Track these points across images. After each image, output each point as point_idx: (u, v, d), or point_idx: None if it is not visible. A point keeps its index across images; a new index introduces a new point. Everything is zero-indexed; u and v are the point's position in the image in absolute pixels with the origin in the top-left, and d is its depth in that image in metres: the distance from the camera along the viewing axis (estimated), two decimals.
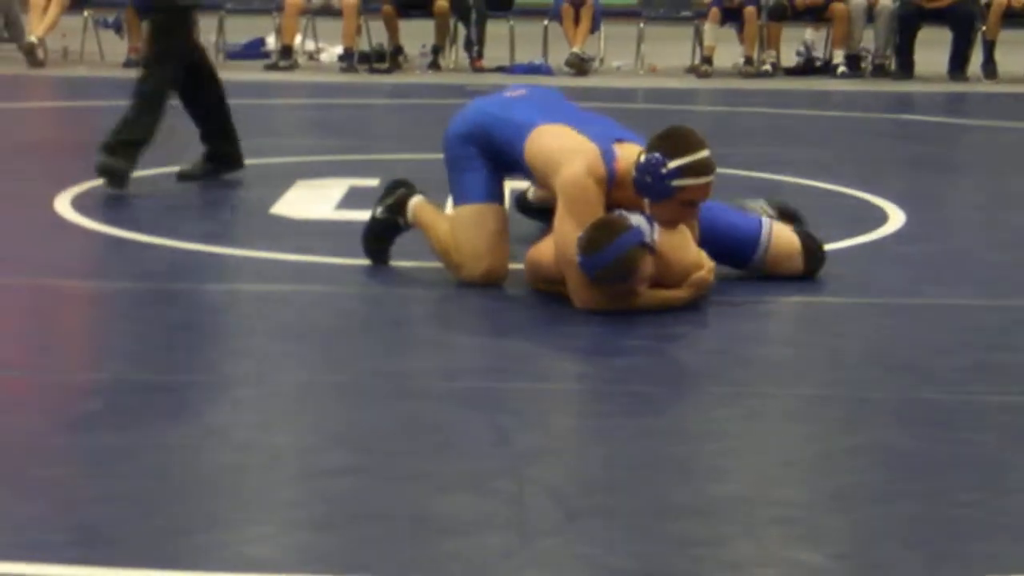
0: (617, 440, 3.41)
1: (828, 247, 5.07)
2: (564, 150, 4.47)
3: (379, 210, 4.87)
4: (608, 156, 4.44)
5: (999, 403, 3.69)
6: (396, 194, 4.88)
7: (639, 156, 4.39)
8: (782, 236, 4.79)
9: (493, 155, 4.64)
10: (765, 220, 4.79)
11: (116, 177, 6.15)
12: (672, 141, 4.39)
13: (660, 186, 4.35)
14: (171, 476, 3.11)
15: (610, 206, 4.42)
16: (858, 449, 3.36)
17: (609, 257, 4.23)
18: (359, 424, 3.46)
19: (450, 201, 4.91)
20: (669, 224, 4.39)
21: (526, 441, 3.38)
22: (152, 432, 3.36)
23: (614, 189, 4.44)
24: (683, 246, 4.41)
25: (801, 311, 4.61)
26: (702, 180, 4.37)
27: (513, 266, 4.70)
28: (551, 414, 3.61)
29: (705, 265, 4.43)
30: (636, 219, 4.30)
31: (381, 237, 4.88)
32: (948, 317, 4.53)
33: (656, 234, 4.33)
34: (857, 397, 3.74)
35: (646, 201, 4.39)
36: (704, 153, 4.38)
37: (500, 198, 4.73)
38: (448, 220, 4.75)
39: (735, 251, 4.72)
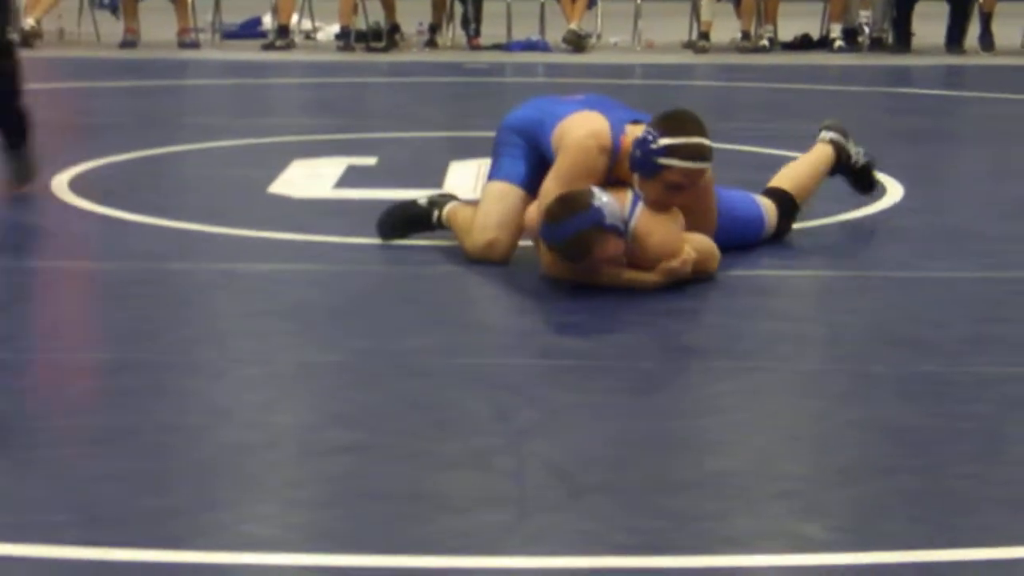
0: (617, 416, 3.41)
1: (828, 220, 5.08)
2: (576, 122, 4.50)
3: (423, 199, 4.90)
4: (616, 130, 4.46)
5: (998, 375, 3.69)
6: (444, 196, 4.92)
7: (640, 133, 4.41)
8: (772, 214, 4.87)
9: (536, 149, 4.64)
10: (763, 209, 4.83)
11: None
12: (670, 121, 4.39)
13: (647, 162, 4.34)
14: (172, 456, 3.11)
15: (612, 181, 4.41)
16: (859, 423, 3.37)
17: (564, 233, 4.22)
18: (359, 403, 3.47)
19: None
20: (654, 205, 4.37)
21: (526, 418, 3.39)
22: (153, 412, 3.36)
23: (617, 165, 4.44)
24: (662, 231, 4.35)
25: (800, 285, 4.61)
26: (689, 164, 4.34)
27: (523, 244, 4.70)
28: (551, 390, 3.61)
29: (681, 255, 4.35)
30: (606, 198, 4.24)
31: (409, 221, 4.87)
32: (947, 290, 4.53)
33: (636, 216, 4.30)
34: (857, 371, 3.75)
35: (635, 177, 4.38)
36: (699, 139, 4.36)
37: (528, 184, 4.65)
38: (473, 208, 4.75)
39: (743, 239, 4.78)
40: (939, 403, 3.50)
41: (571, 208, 4.22)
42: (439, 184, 5.73)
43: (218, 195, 6.02)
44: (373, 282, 4.65)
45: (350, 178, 6.21)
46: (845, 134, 5.30)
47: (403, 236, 4.88)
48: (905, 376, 3.70)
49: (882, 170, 6.33)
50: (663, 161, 4.32)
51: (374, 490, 2.91)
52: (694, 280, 4.41)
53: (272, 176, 6.18)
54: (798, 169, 5.14)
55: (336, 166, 6.46)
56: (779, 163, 6.39)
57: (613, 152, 4.44)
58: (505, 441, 3.21)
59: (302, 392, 3.60)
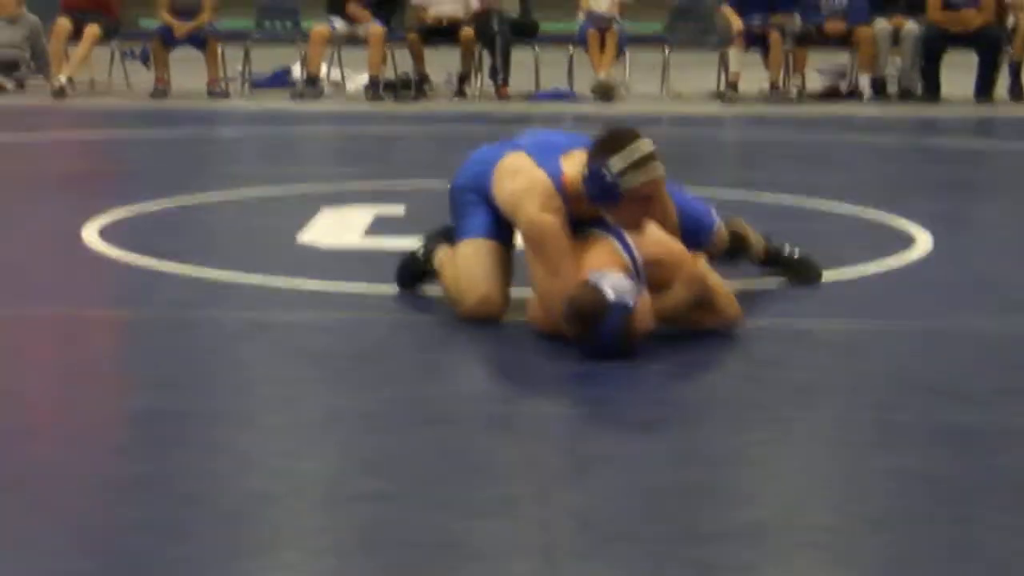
0: (643, 465, 3.40)
1: (856, 271, 5.07)
2: (515, 192, 4.44)
3: (420, 250, 4.91)
4: (556, 179, 4.40)
5: None
6: (436, 240, 4.90)
7: (584, 169, 4.34)
8: (720, 232, 4.89)
9: (489, 200, 4.60)
10: (713, 211, 4.87)
11: None
12: (606, 144, 4.31)
13: (610, 193, 4.29)
14: (198, 504, 3.11)
15: (574, 222, 4.37)
16: (887, 473, 3.35)
17: (602, 342, 4.12)
18: (386, 451, 3.46)
19: None
20: (633, 226, 4.35)
21: (553, 466, 3.38)
22: (179, 460, 3.36)
23: (571, 205, 4.39)
24: (658, 241, 4.35)
25: (827, 335, 4.60)
26: (647, 172, 4.28)
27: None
28: (577, 439, 3.60)
29: (690, 260, 4.33)
30: (609, 279, 4.15)
31: (414, 274, 4.91)
32: (975, 340, 4.51)
33: (634, 251, 4.29)
34: (885, 420, 3.73)
35: (602, 209, 4.35)
36: (639, 143, 4.29)
37: (501, 237, 4.62)
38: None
39: (692, 234, 4.68)
40: (969, 453, 3.48)
41: (593, 319, 4.10)
42: None
43: (247, 244, 6.05)
44: (400, 330, 4.65)
45: (378, 227, 6.23)
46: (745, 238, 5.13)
47: (417, 287, 4.91)
48: (934, 426, 3.68)
49: (911, 220, 6.33)
50: (624, 184, 4.26)
51: (400, 538, 2.90)
52: (710, 330, 4.41)
53: (301, 225, 6.21)
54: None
55: (364, 215, 6.48)
56: (808, 214, 6.40)
57: (565, 200, 4.38)
58: (533, 489, 3.20)
59: (328, 440, 3.60)
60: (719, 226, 4.89)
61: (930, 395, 3.95)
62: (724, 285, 4.46)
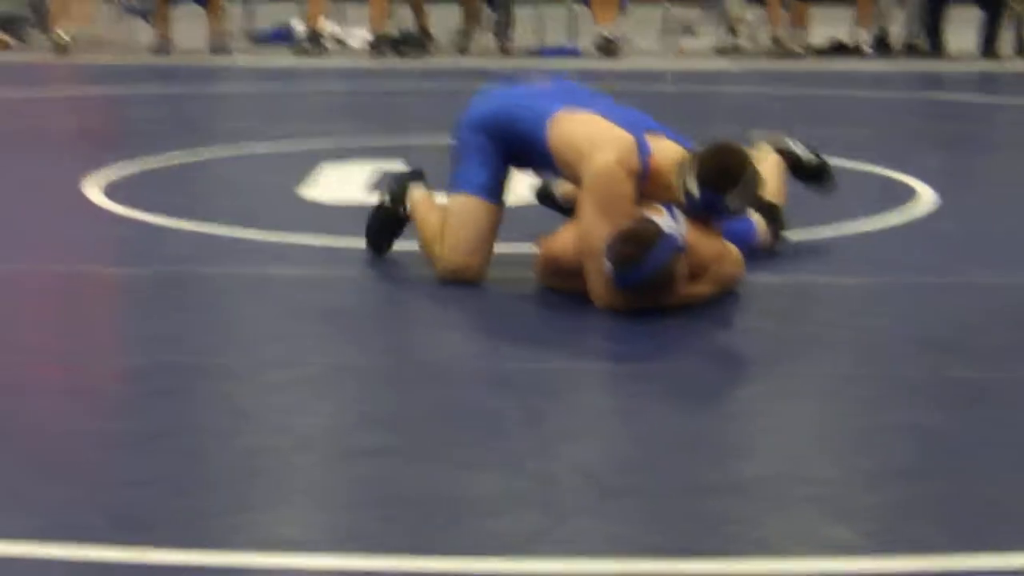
0: (648, 419, 3.40)
1: (860, 227, 5.07)
2: (594, 138, 4.34)
3: (386, 198, 4.82)
4: (643, 148, 4.33)
5: None
6: (403, 184, 4.81)
7: (685, 181, 4.25)
8: (761, 227, 4.80)
9: (508, 146, 4.50)
10: (752, 219, 4.76)
11: None
12: (725, 174, 4.23)
13: (720, 215, 4.30)
14: (204, 459, 3.11)
15: (639, 197, 4.32)
16: (891, 427, 3.35)
17: (646, 271, 4.10)
18: (389, 406, 3.47)
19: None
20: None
21: (557, 421, 3.38)
22: (183, 416, 3.37)
23: (647, 183, 4.33)
24: (708, 237, 4.32)
25: (832, 290, 4.59)
26: (752, 198, 4.33)
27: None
28: (581, 394, 3.60)
29: (730, 258, 4.34)
30: (666, 222, 4.17)
31: (384, 227, 4.82)
32: (980, 295, 4.51)
33: (683, 229, 4.24)
34: (889, 375, 3.73)
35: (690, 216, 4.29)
36: (752, 172, 4.26)
37: (498, 196, 4.56)
38: (440, 212, 4.63)
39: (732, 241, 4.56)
40: (973, 408, 3.47)
41: (646, 245, 4.10)
42: None
43: (249, 200, 6.04)
44: (403, 287, 4.64)
45: (381, 183, 6.21)
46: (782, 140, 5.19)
47: (390, 242, 4.83)
48: (939, 381, 3.68)
49: (915, 175, 6.31)
50: (736, 211, 4.30)
51: (404, 493, 2.91)
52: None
53: (303, 181, 6.20)
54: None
55: (367, 171, 6.47)
56: None
57: (642, 174, 4.32)
58: (536, 444, 3.21)
59: (330, 395, 3.60)
60: (760, 231, 4.81)
61: (935, 350, 3.94)
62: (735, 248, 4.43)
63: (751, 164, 4.29)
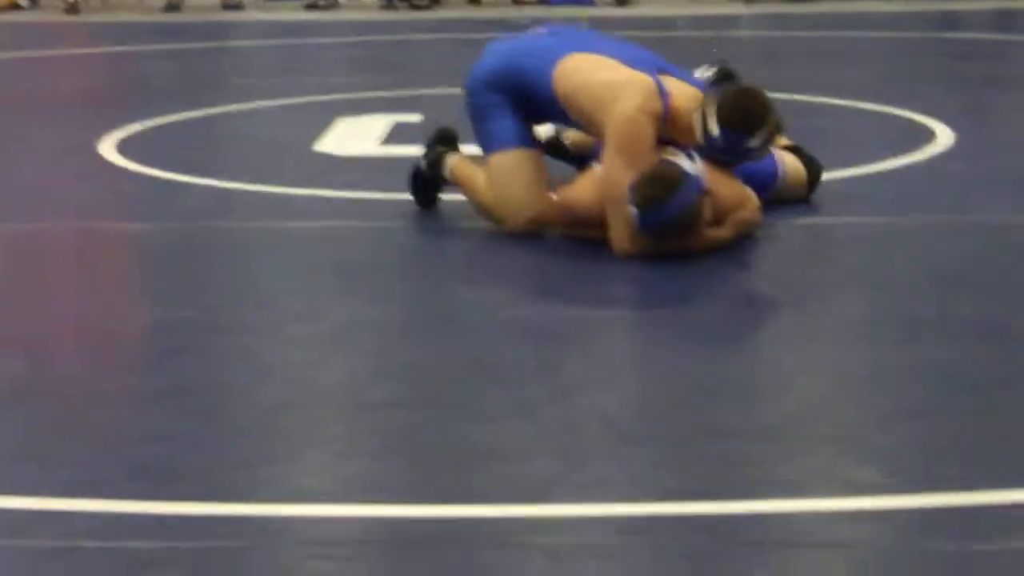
0: (666, 364, 3.40)
1: (877, 168, 5.04)
2: (612, 83, 4.30)
3: (423, 163, 4.78)
4: (662, 90, 4.29)
5: None
6: (437, 150, 4.76)
7: (705, 123, 4.22)
8: (792, 167, 4.71)
9: (520, 99, 4.47)
10: (776, 154, 4.66)
11: None
12: (748, 116, 4.22)
13: (739, 158, 4.28)
14: (221, 412, 3.12)
15: (659, 141, 4.30)
16: (911, 367, 3.34)
17: (672, 212, 4.08)
18: (408, 357, 3.46)
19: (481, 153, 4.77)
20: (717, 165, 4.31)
21: (574, 368, 3.38)
22: (202, 371, 3.37)
23: (666, 126, 4.30)
24: (728, 182, 4.31)
25: (850, 231, 4.57)
26: (774, 142, 4.33)
27: None
28: (598, 341, 3.60)
29: (750, 203, 4.32)
30: (687, 164, 4.16)
31: (427, 188, 4.79)
32: (998, 234, 4.48)
33: (704, 172, 4.22)
34: (910, 316, 3.71)
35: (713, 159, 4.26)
36: (773, 117, 4.25)
37: (533, 143, 4.54)
38: (485, 173, 4.57)
39: (754, 186, 4.47)
40: (992, 346, 3.46)
41: (671, 186, 4.09)
42: None
43: (264, 154, 6.02)
44: (419, 238, 4.64)
45: (396, 135, 6.20)
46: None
47: (435, 199, 4.79)
48: (958, 320, 3.67)
49: (932, 116, 6.27)
50: (758, 154, 4.29)
51: (424, 442, 2.91)
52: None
53: (318, 134, 6.18)
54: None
55: (382, 123, 6.45)
56: (829, 111, 6.35)
57: (663, 117, 4.29)
58: (554, 391, 3.20)
59: (350, 347, 3.60)
60: (785, 170, 4.71)
61: (953, 289, 3.93)
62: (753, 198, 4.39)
63: (773, 107, 4.27)
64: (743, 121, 4.22)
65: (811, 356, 3.48)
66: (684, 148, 4.27)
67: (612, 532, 2.53)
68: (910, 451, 2.85)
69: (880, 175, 5.22)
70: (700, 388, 3.22)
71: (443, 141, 4.80)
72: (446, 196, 4.82)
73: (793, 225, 4.56)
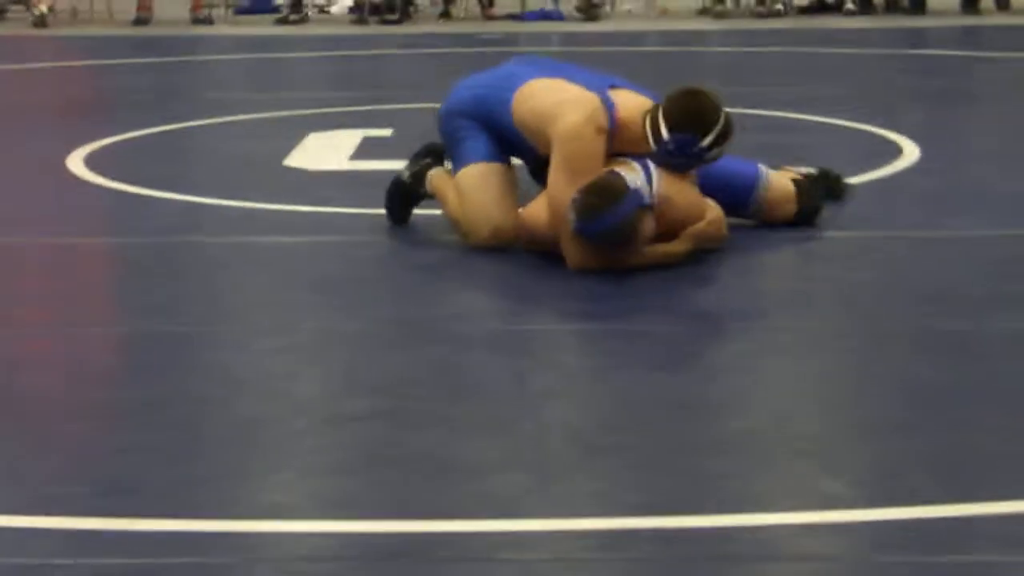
0: (634, 378, 3.41)
1: (845, 182, 5.08)
2: (560, 102, 4.35)
3: (406, 174, 4.79)
4: (608, 104, 4.32)
5: (1017, 332, 3.68)
6: (422, 163, 4.77)
7: (655, 129, 4.23)
8: (778, 182, 4.67)
9: (488, 127, 4.51)
10: (761, 167, 4.65)
11: None
12: (696, 117, 4.23)
13: (692, 162, 4.27)
14: (193, 427, 3.12)
15: (611, 154, 4.30)
16: (878, 380, 3.36)
17: (607, 223, 4.10)
18: (378, 371, 3.47)
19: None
20: (674, 172, 4.28)
21: (543, 382, 3.39)
22: (174, 385, 3.37)
23: (616, 138, 4.32)
24: (685, 192, 4.29)
25: (815, 245, 4.60)
26: (727, 146, 4.30)
27: None
28: (567, 355, 3.62)
29: (708, 215, 4.30)
30: (633, 177, 4.17)
31: (404, 200, 4.79)
32: (965, 248, 4.52)
33: (655, 184, 4.22)
34: (874, 329, 3.74)
35: (666, 166, 4.26)
36: (725, 119, 4.25)
37: (501, 158, 4.54)
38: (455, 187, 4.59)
39: (732, 197, 4.52)
40: (959, 360, 3.49)
41: (610, 197, 4.10)
42: None
43: (234, 169, 6.03)
44: (390, 252, 4.65)
45: (366, 150, 6.21)
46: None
47: (408, 214, 4.79)
48: (925, 334, 3.70)
49: (898, 131, 6.32)
50: (711, 155, 4.26)
51: (395, 456, 2.92)
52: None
53: (288, 149, 6.18)
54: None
55: (352, 138, 6.46)
56: (797, 126, 6.39)
57: (611, 130, 4.30)
58: (523, 405, 3.22)
59: (321, 361, 3.61)
60: (767, 189, 4.60)
61: (921, 303, 3.96)
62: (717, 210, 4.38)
63: (723, 108, 4.27)
64: (692, 123, 4.23)
65: (779, 370, 3.50)
66: (640, 159, 4.29)
67: (583, 546, 2.54)
68: (878, 465, 2.87)
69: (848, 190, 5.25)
70: (669, 402, 3.24)
71: (429, 155, 4.82)
72: (417, 211, 4.83)
73: (756, 239, 4.58)
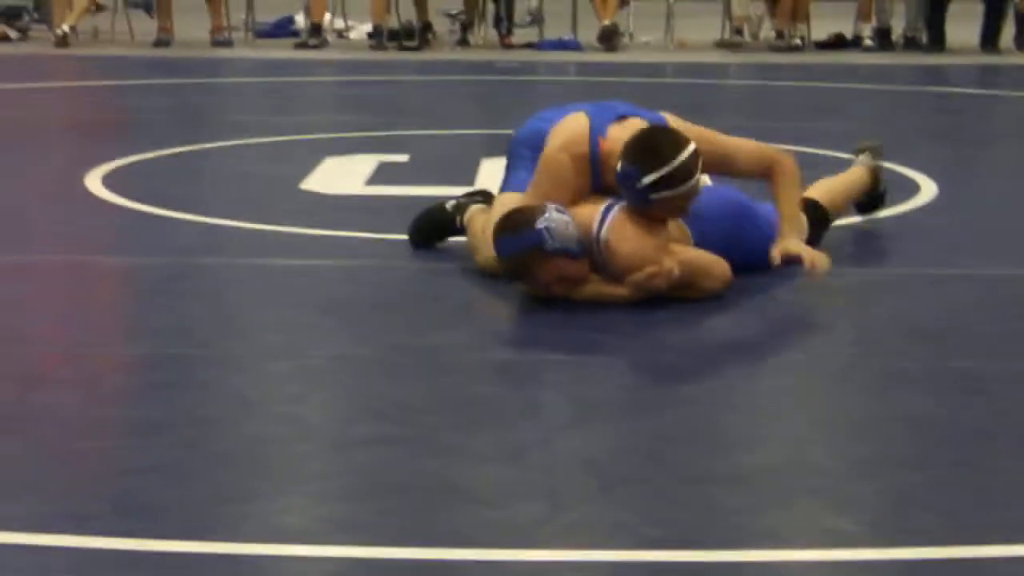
0: (649, 410, 3.41)
1: (860, 218, 5.08)
2: (554, 131, 4.42)
3: (451, 203, 4.80)
4: (595, 133, 4.32)
5: None
6: (471, 198, 4.81)
7: (618, 159, 4.20)
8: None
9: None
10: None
11: None
12: (645, 153, 4.15)
13: (639, 198, 4.18)
14: (205, 448, 3.12)
15: (602, 190, 4.30)
16: (890, 418, 3.36)
17: (504, 251, 4.14)
18: (390, 396, 3.47)
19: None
20: (669, 218, 4.23)
21: (557, 412, 3.39)
22: (186, 406, 3.37)
23: (600, 167, 4.30)
24: (633, 243, 4.15)
25: (831, 282, 4.59)
26: (680, 189, 4.15)
27: None
28: (581, 386, 3.61)
29: (654, 267, 4.12)
30: (559, 218, 4.09)
31: (437, 227, 4.79)
32: (979, 287, 4.51)
33: (606, 227, 4.15)
34: (888, 366, 3.73)
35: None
36: (679, 160, 4.12)
37: None
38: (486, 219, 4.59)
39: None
40: (971, 399, 3.48)
41: (513, 226, 4.11)
42: (470, 182, 5.72)
43: (250, 191, 6.04)
44: (404, 278, 4.65)
45: (382, 175, 6.22)
46: (880, 157, 5.15)
47: (433, 244, 4.80)
48: (937, 372, 3.69)
49: (916, 169, 6.32)
50: (655, 197, 4.15)
51: (406, 483, 2.91)
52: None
53: (304, 173, 6.20)
54: (832, 184, 4.95)
55: (368, 163, 6.47)
56: (811, 161, 6.39)
57: (592, 159, 4.29)
58: (537, 435, 3.21)
59: (334, 386, 3.61)
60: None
61: (934, 341, 3.95)
62: (707, 258, 4.26)
63: (687, 154, 4.15)
64: (637, 156, 4.16)
65: (792, 405, 3.50)
66: (616, 199, 4.24)
67: None
68: (889, 502, 2.86)
69: (862, 226, 5.25)
70: (680, 435, 3.23)
71: (480, 195, 4.86)
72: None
73: (772, 275, 4.58)
